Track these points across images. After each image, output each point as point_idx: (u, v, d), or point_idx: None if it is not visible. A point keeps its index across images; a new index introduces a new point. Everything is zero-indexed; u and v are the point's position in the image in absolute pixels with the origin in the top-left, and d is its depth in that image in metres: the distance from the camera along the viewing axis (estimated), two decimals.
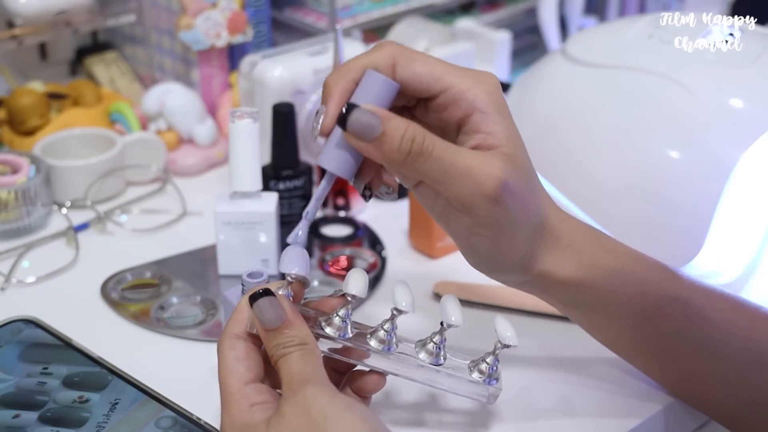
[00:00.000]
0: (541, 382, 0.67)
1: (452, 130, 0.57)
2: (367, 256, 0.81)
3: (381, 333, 0.57)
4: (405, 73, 0.55)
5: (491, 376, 0.59)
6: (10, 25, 0.99)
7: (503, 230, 0.55)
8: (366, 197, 0.58)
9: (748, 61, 0.75)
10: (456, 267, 0.79)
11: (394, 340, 0.57)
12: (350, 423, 0.49)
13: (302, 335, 0.52)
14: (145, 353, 0.69)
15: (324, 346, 0.56)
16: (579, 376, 0.67)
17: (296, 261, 0.55)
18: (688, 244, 0.73)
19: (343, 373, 0.59)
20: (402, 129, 0.52)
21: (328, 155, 0.54)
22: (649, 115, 0.75)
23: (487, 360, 0.59)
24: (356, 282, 0.55)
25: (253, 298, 0.53)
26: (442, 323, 0.57)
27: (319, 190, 0.56)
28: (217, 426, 0.60)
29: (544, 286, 0.59)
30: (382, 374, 0.57)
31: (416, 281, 0.74)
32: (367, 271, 0.77)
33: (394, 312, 0.56)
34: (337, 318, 0.56)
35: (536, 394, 0.66)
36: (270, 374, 0.54)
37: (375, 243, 0.84)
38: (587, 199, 0.77)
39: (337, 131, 0.54)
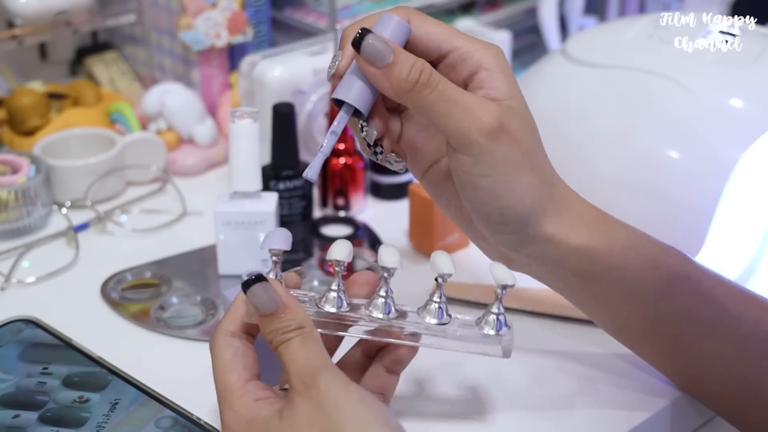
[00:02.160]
0: (543, 377, 0.67)
1: None
2: (367, 256, 0.81)
3: (379, 300, 0.56)
4: (419, 30, 0.57)
5: (503, 325, 0.57)
6: (10, 25, 0.99)
7: (505, 172, 0.56)
8: (376, 153, 0.59)
9: (748, 61, 0.75)
10: (456, 267, 0.79)
11: (392, 304, 0.57)
12: (364, 415, 0.49)
13: (299, 318, 0.52)
14: (145, 353, 0.69)
15: (358, 331, 0.56)
16: (582, 372, 0.67)
17: (276, 239, 0.55)
18: (689, 243, 0.73)
19: (371, 357, 0.59)
20: (411, 60, 0.55)
21: (343, 88, 0.56)
22: (649, 115, 0.75)
23: (493, 310, 0.57)
24: (339, 249, 0.55)
25: (247, 285, 0.53)
26: (437, 278, 0.56)
27: (336, 123, 0.57)
28: (217, 426, 0.60)
29: (557, 254, 0.59)
30: (413, 347, 0.58)
31: (416, 281, 0.74)
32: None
33: (384, 274, 0.56)
34: (332, 293, 0.56)
35: (544, 388, 0.66)
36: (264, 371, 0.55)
37: (375, 243, 0.84)
38: (587, 198, 0.77)
39: (352, 69, 0.56)
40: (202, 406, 0.63)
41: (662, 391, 0.65)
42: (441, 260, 0.56)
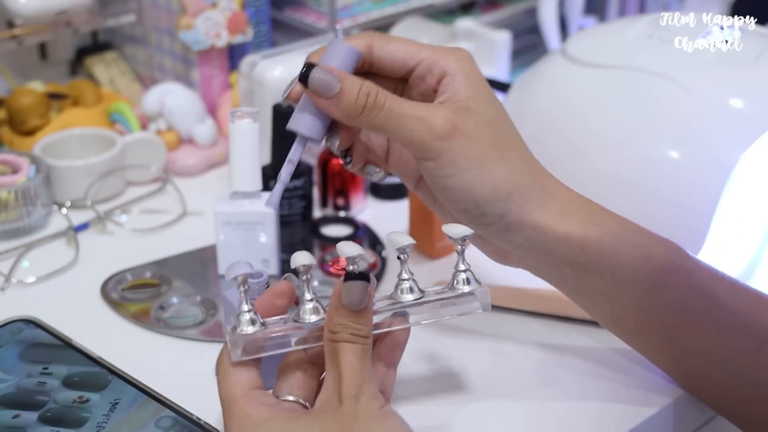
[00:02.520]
0: (544, 375, 0.67)
1: (431, 100, 0.61)
2: (367, 256, 0.81)
3: (406, 285, 0.57)
4: (382, 52, 0.60)
5: (474, 280, 0.58)
6: (10, 25, 0.99)
7: (469, 167, 0.58)
8: (346, 163, 0.63)
9: (748, 61, 0.75)
10: None
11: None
12: (393, 429, 0.51)
13: (368, 330, 0.54)
14: (145, 353, 0.69)
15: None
16: (585, 369, 0.67)
17: (238, 267, 0.56)
18: (688, 243, 0.72)
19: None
20: (357, 85, 0.57)
21: (296, 118, 0.59)
22: (649, 115, 0.75)
23: (460, 268, 0.58)
24: (301, 256, 0.56)
25: (349, 277, 0.54)
26: (399, 256, 0.57)
27: (291, 153, 0.59)
28: (217, 426, 0.60)
29: (546, 242, 0.60)
30: (401, 330, 0.59)
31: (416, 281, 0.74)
32: (367, 272, 0.77)
33: (401, 257, 0.57)
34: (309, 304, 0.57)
35: (547, 386, 0.66)
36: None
37: (375, 243, 0.84)
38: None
39: (303, 99, 0.59)
40: (202, 406, 0.62)
41: (665, 389, 0.65)
42: (397, 236, 0.57)
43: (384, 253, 0.82)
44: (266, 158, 0.83)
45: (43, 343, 0.68)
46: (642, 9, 1.30)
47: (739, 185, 0.72)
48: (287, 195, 0.82)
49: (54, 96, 0.96)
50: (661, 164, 0.73)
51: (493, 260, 0.64)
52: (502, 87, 1.03)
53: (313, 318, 0.56)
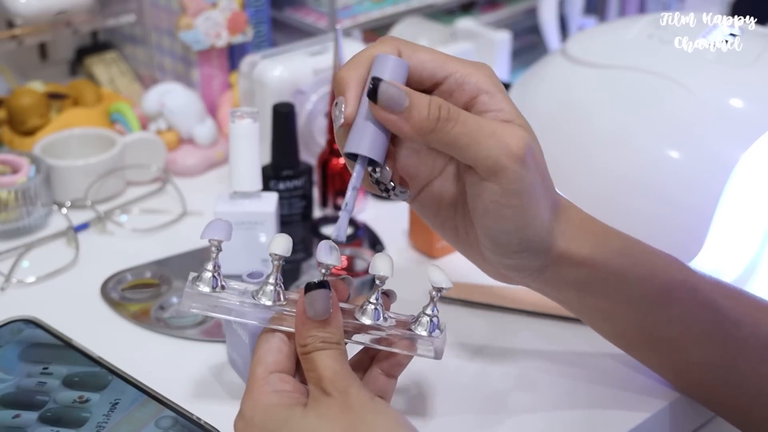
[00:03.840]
0: (543, 378, 0.67)
1: None
2: (367, 256, 0.81)
3: (369, 307, 0.56)
4: (410, 60, 0.55)
5: (435, 327, 0.57)
6: (10, 25, 0.99)
7: (531, 198, 0.55)
8: (389, 191, 0.57)
9: (748, 61, 0.75)
10: (456, 267, 0.79)
11: (381, 312, 0.57)
12: (393, 417, 0.51)
13: (339, 335, 0.54)
14: (145, 353, 0.69)
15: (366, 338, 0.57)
16: (581, 373, 0.67)
17: (216, 230, 0.56)
18: (689, 243, 0.73)
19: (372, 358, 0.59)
20: (426, 98, 0.53)
21: (356, 140, 0.54)
22: (649, 115, 0.75)
23: (427, 311, 0.57)
24: (279, 243, 0.55)
25: (309, 288, 0.53)
26: (374, 280, 0.56)
27: (353, 179, 0.55)
28: (217, 426, 0.60)
29: (560, 270, 0.58)
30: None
31: (416, 281, 0.74)
32: (366, 272, 0.77)
33: (376, 282, 0.56)
34: (269, 287, 0.56)
35: (542, 390, 0.66)
36: (300, 371, 0.55)
37: (375, 243, 0.84)
38: (587, 200, 0.77)
39: (360, 117, 0.54)
40: (202, 406, 0.63)
41: (660, 392, 0.65)
42: (380, 263, 0.55)
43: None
44: (266, 158, 0.83)
45: (43, 343, 0.68)
46: (642, 9, 1.30)
47: (739, 185, 0.72)
48: (287, 195, 0.82)
49: (54, 96, 0.96)
50: (661, 164, 0.73)
51: (494, 279, 0.62)
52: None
53: (267, 302, 0.56)
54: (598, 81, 0.80)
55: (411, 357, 0.58)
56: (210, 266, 0.57)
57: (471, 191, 0.56)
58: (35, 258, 0.82)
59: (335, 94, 0.55)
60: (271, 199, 0.76)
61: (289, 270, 0.80)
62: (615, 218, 0.75)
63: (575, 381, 0.66)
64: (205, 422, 0.61)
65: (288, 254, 0.56)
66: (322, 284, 0.53)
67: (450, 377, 0.67)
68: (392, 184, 0.56)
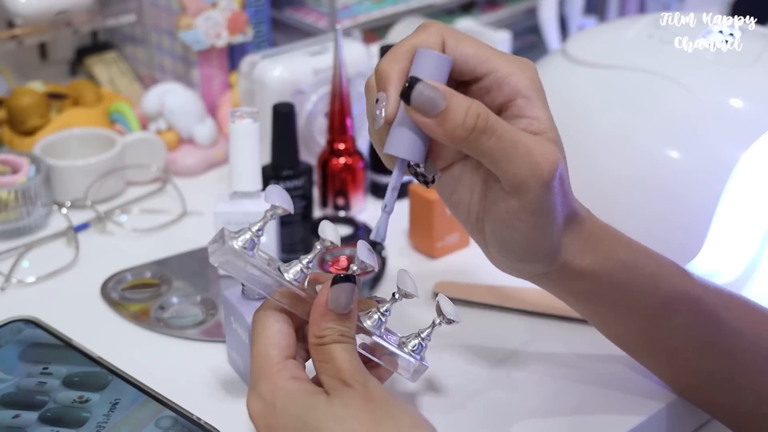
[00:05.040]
0: (542, 378, 0.67)
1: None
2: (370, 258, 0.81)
3: (376, 316, 0.57)
4: (453, 53, 0.54)
5: (420, 352, 0.58)
6: (10, 25, 0.99)
7: (547, 216, 0.54)
8: (428, 184, 0.56)
9: (748, 61, 0.75)
10: (456, 267, 0.79)
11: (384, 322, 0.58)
12: (413, 412, 0.51)
13: (353, 332, 0.54)
14: (145, 353, 0.69)
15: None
16: (580, 373, 0.67)
17: (278, 196, 0.55)
18: (689, 243, 0.73)
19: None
20: (466, 104, 0.51)
21: (395, 141, 0.53)
22: (649, 115, 0.75)
23: (422, 335, 0.59)
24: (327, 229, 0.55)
25: (336, 280, 0.53)
26: (394, 294, 0.57)
27: (393, 180, 0.54)
28: (217, 426, 0.60)
29: (562, 276, 0.58)
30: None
31: (416, 281, 0.74)
32: (353, 274, 0.77)
33: (396, 296, 0.57)
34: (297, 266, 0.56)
35: (538, 391, 0.66)
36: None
37: (375, 243, 0.83)
38: (588, 199, 0.77)
39: (401, 117, 0.53)
40: (202, 406, 0.62)
41: (657, 394, 0.65)
42: (406, 280, 0.57)
43: (384, 253, 0.82)
44: (266, 158, 0.83)
45: (43, 343, 0.68)
46: (642, 9, 1.30)
47: (739, 185, 0.72)
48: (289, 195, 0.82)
49: (54, 96, 0.96)
50: (662, 164, 0.73)
51: (496, 267, 0.61)
52: None
53: (291, 278, 0.55)
54: (598, 81, 0.80)
55: (391, 373, 0.59)
56: (255, 228, 0.55)
57: (491, 196, 0.55)
58: (35, 258, 0.82)
59: (377, 87, 0.54)
60: (279, 195, 0.76)
61: None
62: (615, 218, 0.75)
63: (574, 382, 0.66)
64: (205, 422, 0.61)
65: (338, 241, 0.55)
66: (349, 278, 0.53)
67: (448, 377, 0.67)
68: (435, 176, 0.56)
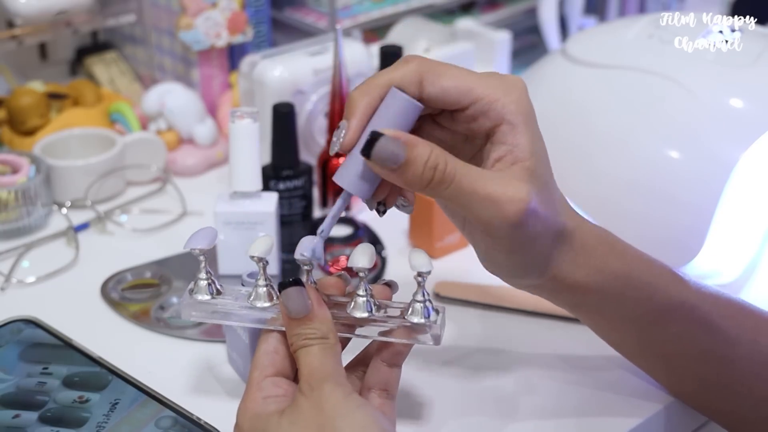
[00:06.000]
0: (541, 380, 0.67)
1: (480, 139, 0.56)
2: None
3: (361, 300, 0.56)
4: (434, 89, 0.54)
5: (430, 311, 0.56)
6: (10, 25, 0.99)
7: (522, 249, 0.55)
8: (381, 212, 0.57)
9: (748, 61, 0.75)
10: (456, 267, 0.79)
11: (373, 304, 0.56)
12: (361, 420, 0.50)
13: (324, 329, 0.53)
14: (146, 353, 0.69)
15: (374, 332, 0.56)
16: (579, 374, 0.67)
17: (198, 239, 0.57)
18: (689, 244, 0.73)
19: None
20: (425, 156, 0.52)
21: (346, 174, 0.54)
22: (649, 115, 0.75)
23: (417, 297, 0.56)
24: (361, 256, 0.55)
25: (283, 287, 0.53)
26: (357, 272, 0.56)
27: (335, 209, 0.55)
28: (217, 426, 0.61)
29: (555, 289, 0.58)
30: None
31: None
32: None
33: (360, 274, 0.56)
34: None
35: (536, 392, 0.66)
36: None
37: (375, 243, 0.84)
38: (587, 200, 0.77)
39: (357, 149, 0.53)
40: (202, 406, 0.63)
41: (655, 396, 0.65)
42: (359, 255, 0.55)
43: (384, 253, 0.82)
44: (266, 158, 0.83)
45: (43, 343, 0.68)
46: (642, 9, 1.30)
47: (739, 185, 0.72)
48: (287, 195, 0.82)
49: (54, 96, 0.96)
50: (661, 164, 0.73)
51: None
52: None
53: (265, 304, 0.57)
54: (598, 81, 0.80)
55: (411, 346, 0.57)
56: (203, 275, 0.58)
57: (468, 228, 0.57)
58: (35, 258, 0.82)
59: (345, 113, 0.54)
60: (271, 199, 0.76)
61: (290, 270, 0.80)
62: (615, 218, 0.75)
63: (571, 384, 0.66)
64: (205, 422, 0.61)
65: (267, 255, 0.56)
66: (296, 281, 0.53)
67: (445, 378, 0.67)
68: (382, 207, 0.56)
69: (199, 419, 0.61)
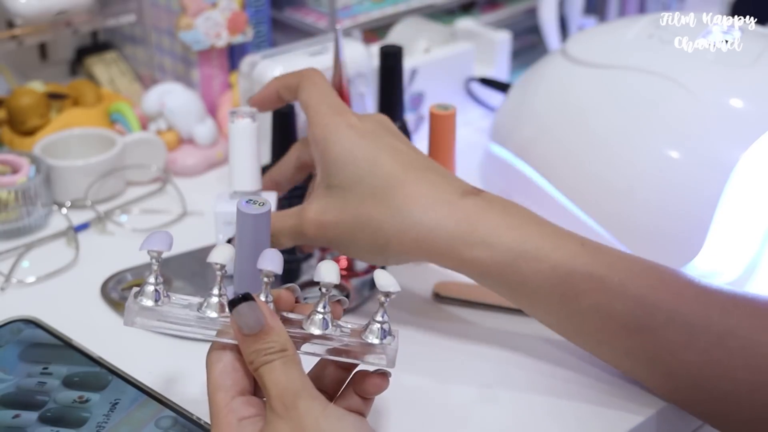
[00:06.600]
0: (541, 380, 0.67)
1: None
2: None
3: (318, 317, 0.55)
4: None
5: (386, 334, 0.55)
6: (10, 25, 0.99)
7: (346, 246, 0.65)
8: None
9: (748, 61, 0.75)
10: None
11: (330, 321, 0.55)
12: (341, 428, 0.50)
13: (282, 341, 0.52)
14: (145, 353, 0.69)
15: (321, 349, 0.55)
16: (579, 375, 0.67)
17: (155, 241, 0.56)
18: (688, 243, 0.73)
19: (348, 369, 0.58)
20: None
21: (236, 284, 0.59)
22: (649, 116, 0.75)
23: (377, 318, 0.55)
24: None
25: (233, 304, 0.52)
26: (320, 288, 0.54)
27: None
28: None
29: (456, 268, 0.62)
30: (384, 375, 0.56)
31: (416, 281, 0.74)
32: (366, 272, 0.77)
33: (323, 290, 0.54)
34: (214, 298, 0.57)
35: (526, 397, 0.65)
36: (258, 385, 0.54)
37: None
38: (587, 200, 0.77)
39: (240, 263, 0.57)
40: (202, 406, 0.62)
41: (648, 400, 0.64)
42: (325, 270, 0.54)
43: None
44: (266, 158, 0.83)
45: (43, 343, 0.68)
46: (642, 9, 1.30)
47: (738, 186, 0.72)
48: (287, 195, 0.82)
49: (54, 96, 0.96)
50: (661, 164, 0.73)
51: None
52: (502, 87, 1.03)
53: (213, 314, 0.55)
54: (598, 81, 0.80)
55: (388, 381, 0.56)
56: (152, 279, 0.56)
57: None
58: (35, 258, 0.82)
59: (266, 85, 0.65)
60: (271, 199, 0.76)
61: (288, 270, 0.80)
62: (614, 218, 0.76)
63: (559, 388, 0.66)
64: (205, 422, 0.61)
65: (227, 263, 0.55)
66: (246, 297, 0.52)
67: (446, 377, 0.67)
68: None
69: (199, 419, 0.61)
